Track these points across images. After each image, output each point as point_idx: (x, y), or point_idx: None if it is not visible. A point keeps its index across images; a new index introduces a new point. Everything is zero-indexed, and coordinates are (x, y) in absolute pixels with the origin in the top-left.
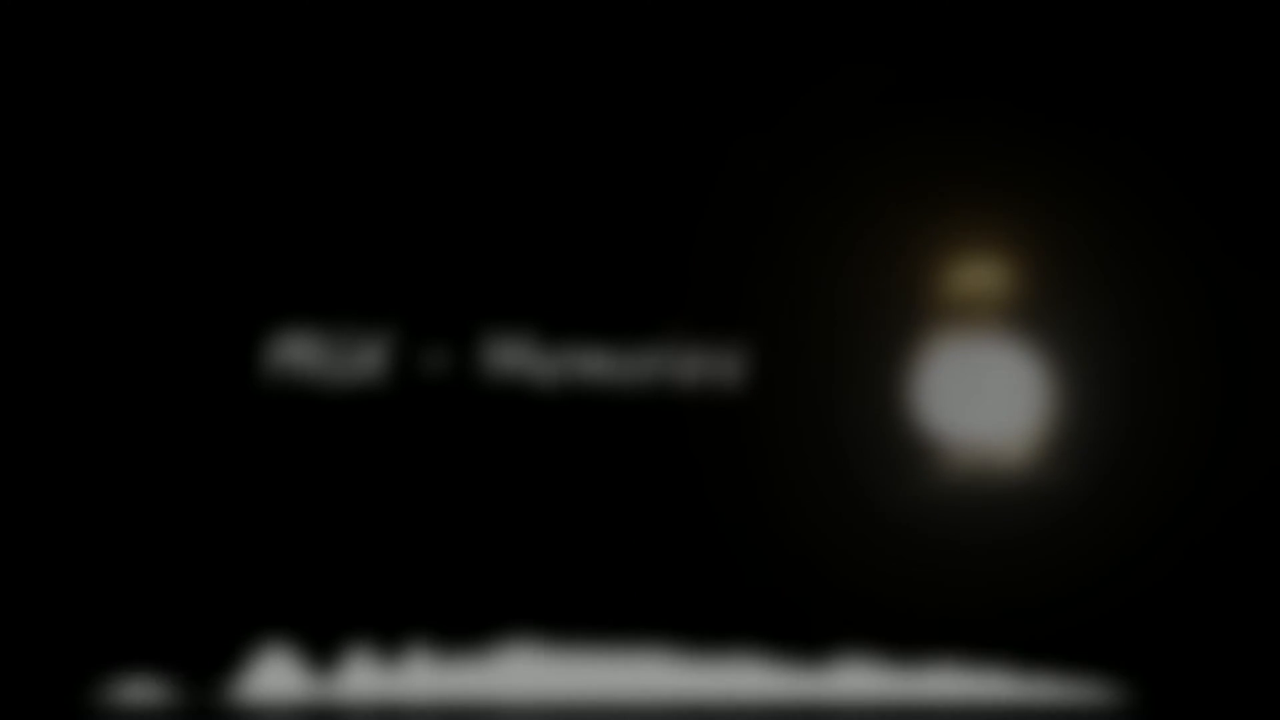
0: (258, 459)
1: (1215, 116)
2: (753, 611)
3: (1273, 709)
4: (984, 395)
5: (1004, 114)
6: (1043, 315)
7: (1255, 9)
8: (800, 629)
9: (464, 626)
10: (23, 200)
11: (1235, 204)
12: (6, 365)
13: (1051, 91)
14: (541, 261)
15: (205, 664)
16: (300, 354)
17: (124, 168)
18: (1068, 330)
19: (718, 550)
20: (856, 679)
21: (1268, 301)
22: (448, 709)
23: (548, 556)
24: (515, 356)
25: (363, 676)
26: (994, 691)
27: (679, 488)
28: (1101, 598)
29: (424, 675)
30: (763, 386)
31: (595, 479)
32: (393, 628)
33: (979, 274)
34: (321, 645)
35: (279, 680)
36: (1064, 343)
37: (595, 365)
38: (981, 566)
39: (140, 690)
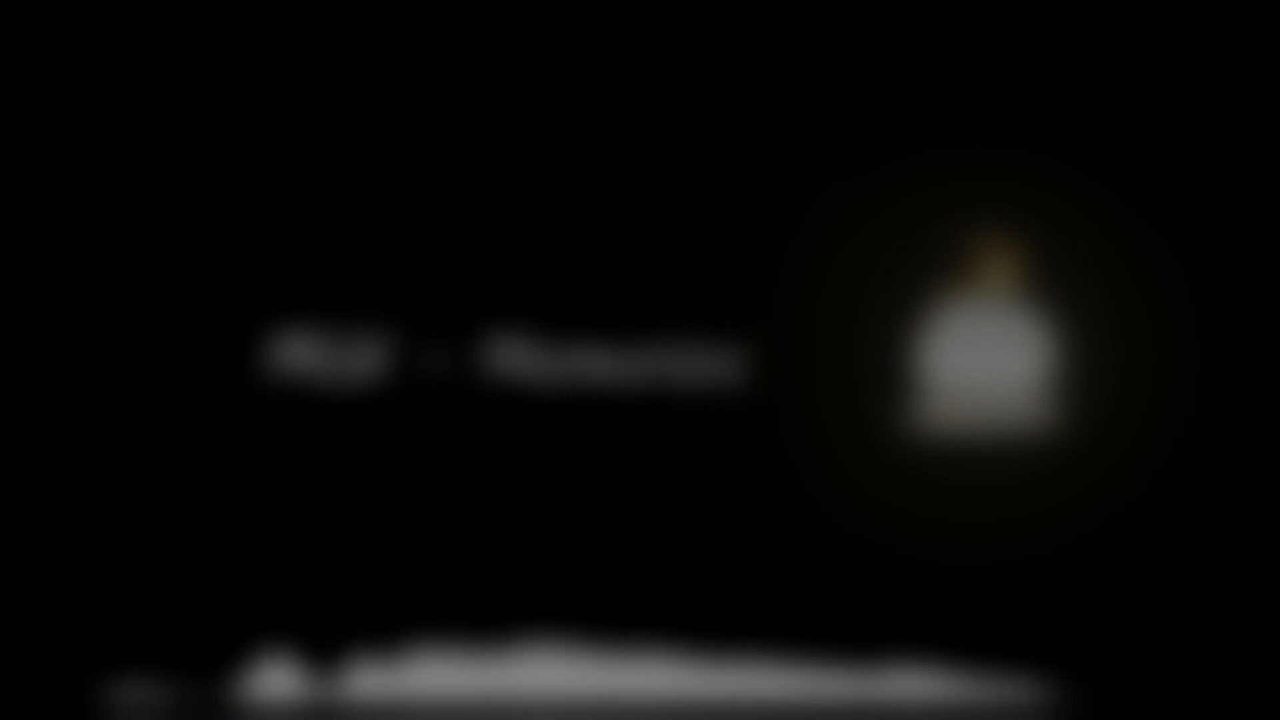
0: (257, 459)
1: (1199, 112)
2: (760, 608)
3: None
4: (990, 355)
5: (1011, 105)
6: (1047, 282)
7: (1249, 26)
8: (812, 624)
9: (463, 626)
10: (20, 198)
11: (1224, 184)
12: (4, 365)
13: (1053, 94)
14: (541, 260)
15: (207, 664)
16: (299, 354)
17: (122, 167)
18: (1069, 297)
19: (722, 540)
20: (888, 675)
21: (1257, 280)
22: (447, 709)
23: (549, 555)
24: (515, 356)
25: (363, 677)
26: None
27: (682, 482)
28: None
29: (423, 675)
30: (768, 373)
31: (596, 478)
32: (392, 628)
33: (987, 242)
34: (323, 646)
35: (281, 681)
36: (1066, 308)
37: (595, 363)
38: (984, 522)
39: (141, 691)
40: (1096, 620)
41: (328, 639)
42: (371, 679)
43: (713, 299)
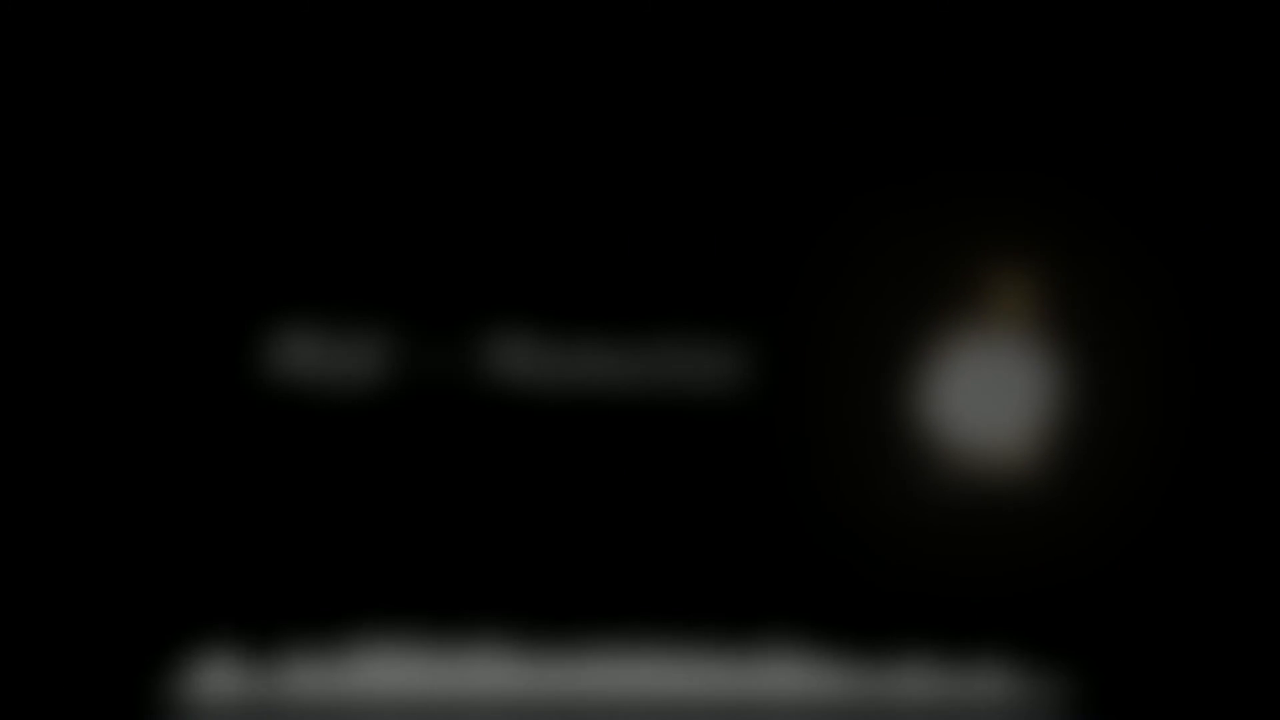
0: (255, 460)
1: (1204, 170)
2: (761, 608)
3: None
4: (987, 398)
5: (1012, 153)
6: (1044, 324)
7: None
8: (809, 623)
9: (466, 625)
10: (15, 196)
11: (1222, 229)
12: None
13: (1056, 131)
14: (544, 259)
15: (162, 662)
16: (295, 353)
17: (119, 164)
18: (1067, 339)
19: (722, 549)
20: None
21: (1250, 321)
22: (447, 708)
23: (550, 555)
24: (516, 356)
25: (364, 676)
26: (979, 686)
27: (683, 488)
28: (1086, 597)
29: (424, 674)
30: (769, 386)
31: (596, 478)
32: (393, 628)
33: (987, 283)
34: (328, 644)
35: (285, 681)
36: (1063, 351)
37: (599, 364)
38: (976, 565)
39: (139, 682)
40: (1092, 620)
41: (337, 638)
42: (373, 678)
43: (718, 300)
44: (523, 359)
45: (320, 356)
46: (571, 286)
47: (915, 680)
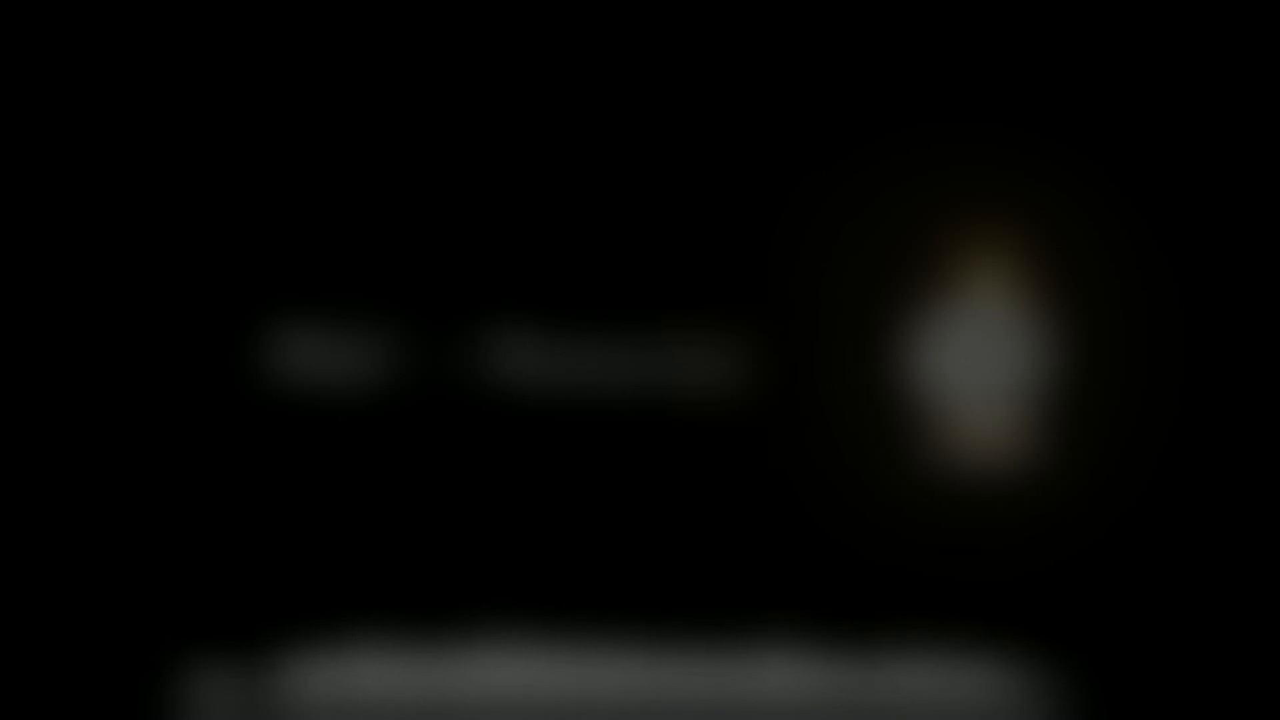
0: (254, 460)
1: (1194, 131)
2: (760, 607)
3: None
4: (978, 364)
5: (1001, 111)
6: (1037, 315)
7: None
8: (809, 622)
9: (469, 627)
10: (14, 194)
11: (1213, 201)
12: None
13: (1041, 103)
14: (545, 258)
15: (154, 669)
16: (295, 353)
17: (117, 162)
18: (1061, 333)
19: (719, 545)
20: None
21: (1244, 293)
22: (447, 709)
23: (553, 556)
24: (517, 355)
25: (364, 677)
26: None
27: (680, 485)
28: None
29: (425, 675)
30: (764, 372)
31: (598, 479)
32: (393, 628)
33: (972, 249)
34: (327, 645)
35: (284, 682)
36: (1062, 340)
37: (600, 363)
38: (976, 541)
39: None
40: (1081, 613)
41: (336, 639)
42: (376, 679)
43: (719, 300)
44: (521, 358)
45: (320, 356)
46: (572, 286)
47: (912, 676)
